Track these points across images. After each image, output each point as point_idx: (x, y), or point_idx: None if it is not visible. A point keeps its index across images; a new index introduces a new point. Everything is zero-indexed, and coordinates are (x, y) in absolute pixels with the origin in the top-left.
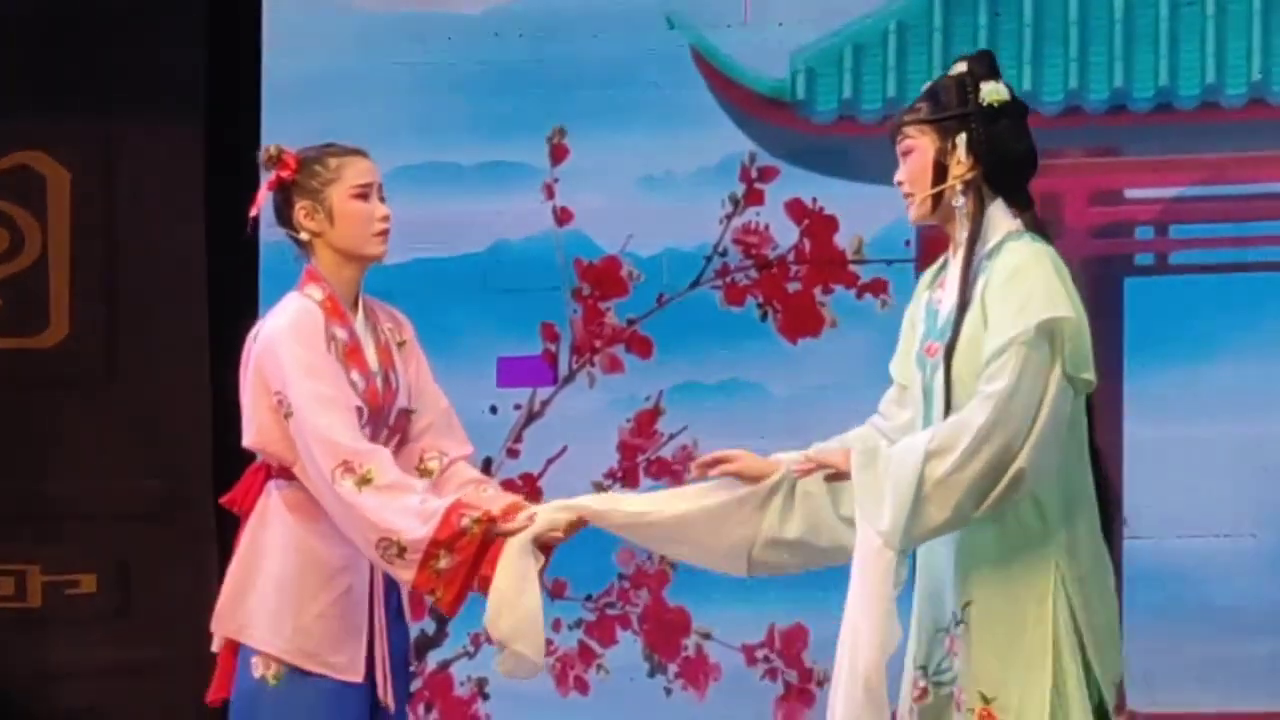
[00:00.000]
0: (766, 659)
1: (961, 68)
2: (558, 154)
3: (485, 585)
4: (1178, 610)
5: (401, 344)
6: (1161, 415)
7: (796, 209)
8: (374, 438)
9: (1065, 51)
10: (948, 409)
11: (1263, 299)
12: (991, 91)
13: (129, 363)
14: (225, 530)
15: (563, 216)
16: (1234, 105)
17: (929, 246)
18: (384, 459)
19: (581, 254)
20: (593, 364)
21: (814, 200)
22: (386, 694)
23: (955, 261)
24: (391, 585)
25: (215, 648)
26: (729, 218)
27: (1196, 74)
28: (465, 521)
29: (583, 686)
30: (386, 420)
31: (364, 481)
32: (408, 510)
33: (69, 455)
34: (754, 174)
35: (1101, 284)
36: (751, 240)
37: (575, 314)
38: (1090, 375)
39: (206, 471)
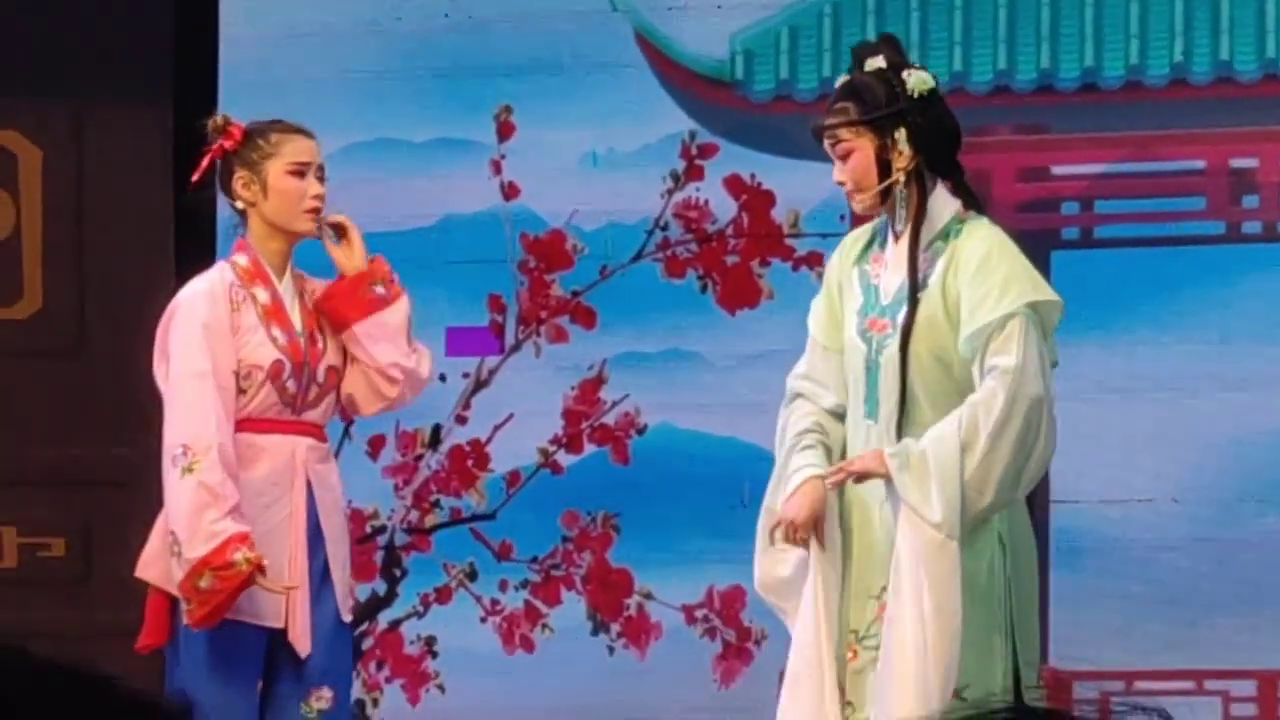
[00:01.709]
0: (706, 619)
1: (879, 62)
2: (505, 131)
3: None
4: (1101, 573)
5: None
6: (1086, 385)
7: (735, 184)
8: (303, 391)
9: (994, 32)
10: (903, 386)
11: (1184, 272)
12: (919, 82)
13: (99, 334)
14: None
15: (509, 192)
16: (1157, 85)
17: (864, 220)
18: (214, 457)
19: (527, 228)
20: (538, 334)
21: (752, 176)
22: (301, 638)
23: (897, 243)
24: (317, 537)
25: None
26: (670, 193)
27: (1121, 55)
28: (237, 556)
29: (528, 645)
30: (315, 376)
31: (188, 470)
32: (201, 522)
33: (42, 422)
34: (694, 151)
35: (1029, 257)
36: (692, 215)
37: (521, 286)
38: (1057, 357)
39: None
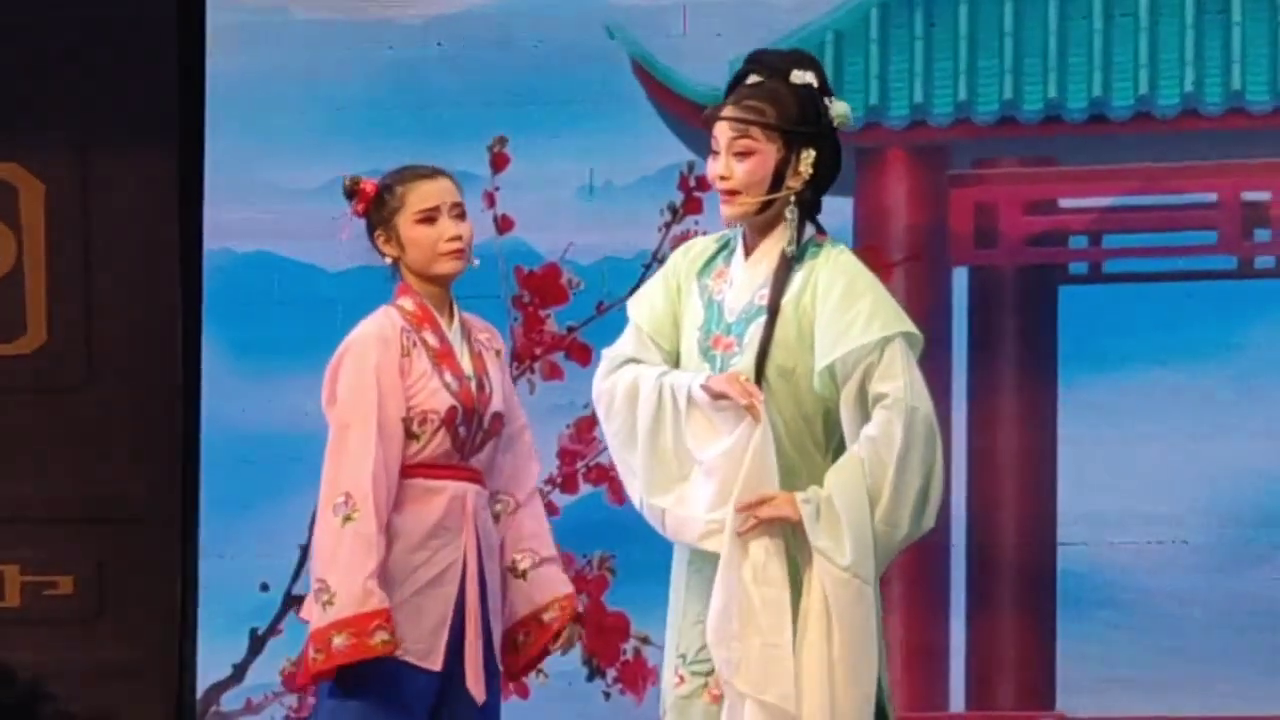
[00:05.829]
0: None
1: (810, 79)
2: (499, 162)
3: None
4: (1110, 615)
5: (499, 351)
6: (1094, 422)
7: None
8: (469, 437)
9: (1000, 62)
10: None
11: (1194, 307)
12: (841, 114)
13: (107, 368)
14: (190, 533)
15: (503, 224)
16: (1166, 116)
17: (865, 255)
18: (370, 507)
19: (522, 262)
20: (533, 371)
21: None
22: (476, 684)
23: (747, 259)
24: (482, 584)
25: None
26: (668, 226)
27: (1130, 85)
28: (378, 636)
29: (522, 691)
30: (481, 422)
31: (348, 519)
32: (357, 575)
33: (48, 458)
34: (692, 183)
35: (1036, 292)
36: None
37: (515, 321)
38: None
39: (176, 475)
